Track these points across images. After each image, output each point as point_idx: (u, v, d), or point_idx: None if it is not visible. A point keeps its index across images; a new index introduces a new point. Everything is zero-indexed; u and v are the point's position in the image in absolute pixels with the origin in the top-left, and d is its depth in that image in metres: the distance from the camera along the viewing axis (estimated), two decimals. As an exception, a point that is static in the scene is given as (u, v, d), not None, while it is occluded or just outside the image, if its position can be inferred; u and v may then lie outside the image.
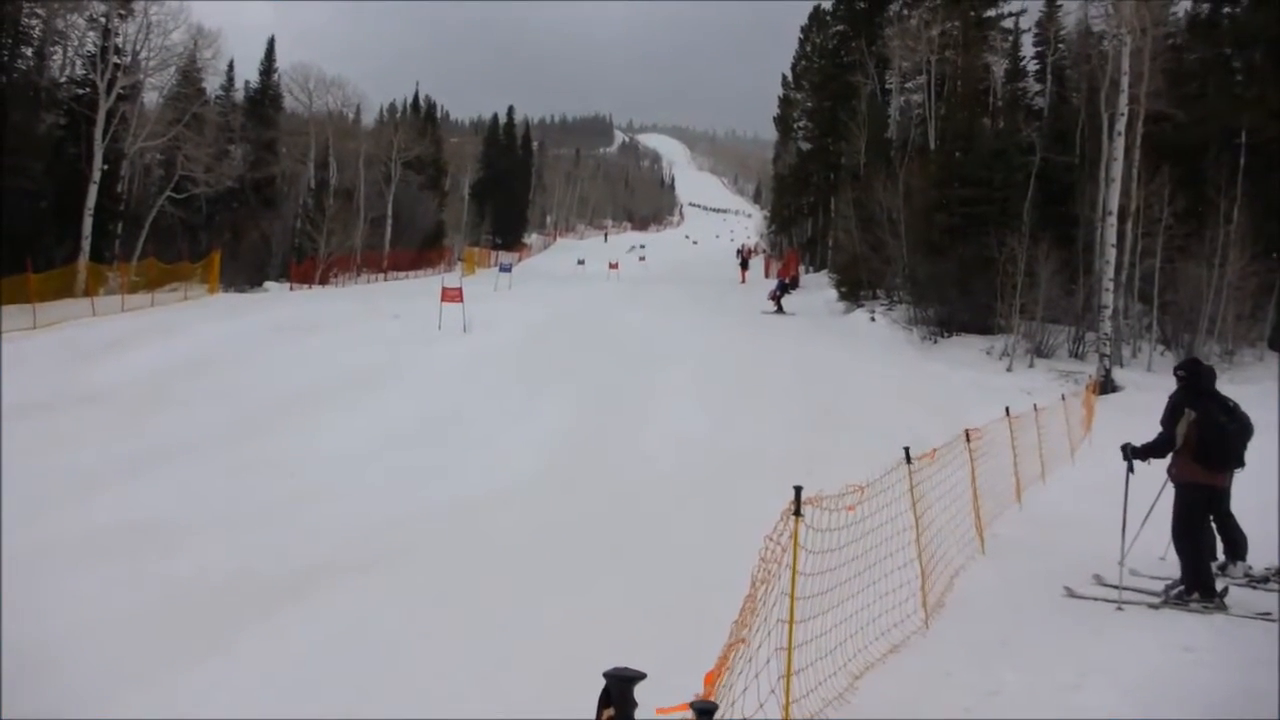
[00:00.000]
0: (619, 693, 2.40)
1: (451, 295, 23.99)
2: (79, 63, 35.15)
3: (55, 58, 35.24)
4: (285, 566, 8.66)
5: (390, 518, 10.43)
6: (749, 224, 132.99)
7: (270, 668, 6.67)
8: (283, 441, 13.63)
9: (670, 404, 16.87)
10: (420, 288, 35.91)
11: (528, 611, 7.60)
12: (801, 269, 45.45)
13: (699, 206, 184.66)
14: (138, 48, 35.42)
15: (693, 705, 2.71)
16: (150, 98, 37.62)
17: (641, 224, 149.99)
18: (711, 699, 2.88)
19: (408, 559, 8.99)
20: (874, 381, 20.47)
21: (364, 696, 6.25)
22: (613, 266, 53.27)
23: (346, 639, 7.16)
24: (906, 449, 7.16)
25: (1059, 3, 36.49)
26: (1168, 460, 7.72)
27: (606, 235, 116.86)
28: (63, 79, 35.27)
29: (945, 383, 21.07)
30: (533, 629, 7.21)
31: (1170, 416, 7.62)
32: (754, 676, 3.83)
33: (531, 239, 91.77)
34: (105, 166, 32.95)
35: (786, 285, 35.58)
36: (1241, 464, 8.21)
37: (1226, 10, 30.38)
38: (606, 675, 2.43)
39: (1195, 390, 7.70)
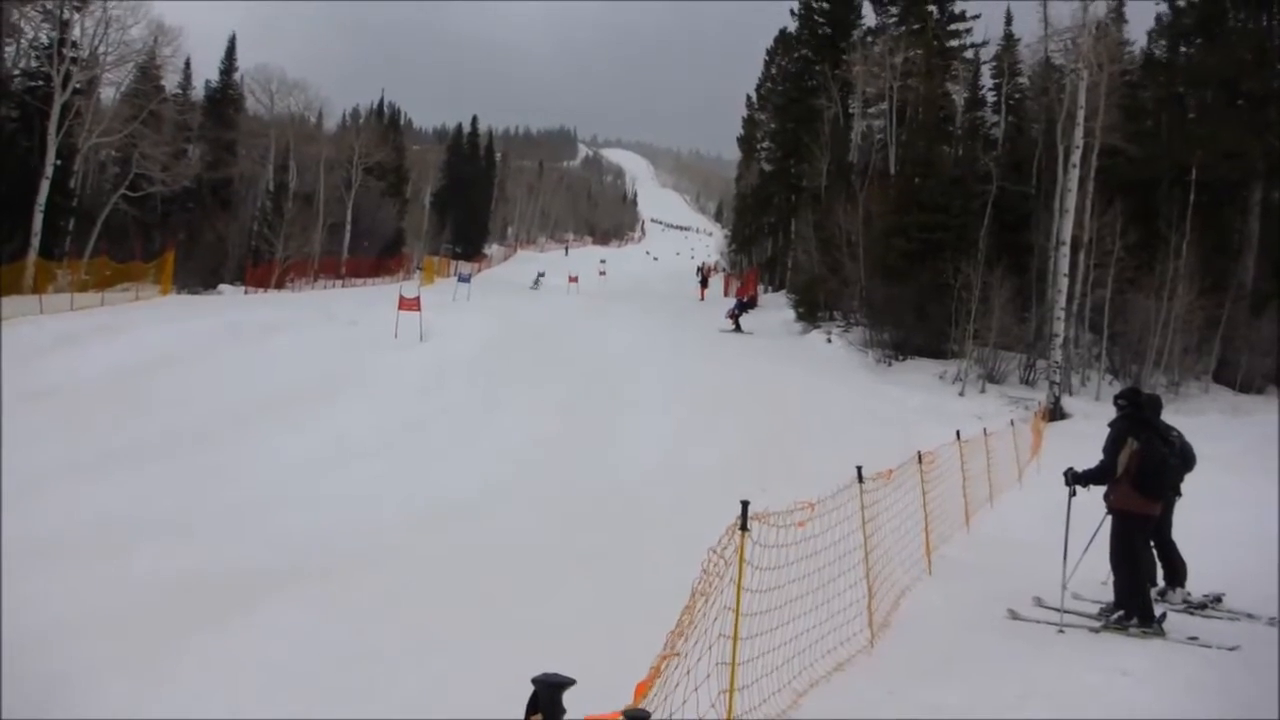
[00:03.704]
0: (547, 699, 2.37)
1: (409, 304, 23.81)
2: (34, 55, 34.47)
3: (9, 49, 34.52)
4: (238, 572, 8.55)
5: (347, 525, 10.34)
6: (710, 242, 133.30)
7: (221, 673, 6.58)
8: (237, 446, 13.47)
9: (628, 420, 16.88)
10: (378, 295, 35.60)
11: (482, 623, 7.53)
12: (760, 288, 45.66)
13: (660, 223, 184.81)
14: (95, 42, 34.86)
15: (625, 713, 2.69)
16: (107, 93, 37.02)
17: (603, 238, 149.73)
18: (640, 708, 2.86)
19: (362, 569, 8.91)
20: (829, 403, 20.60)
21: (315, 703, 6.16)
22: (572, 280, 53.23)
23: (300, 646, 7.06)
24: (859, 468, 7.21)
25: (1018, 36, 37.21)
26: (1104, 488, 7.83)
27: (568, 249, 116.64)
28: (16, 71, 34.56)
29: (899, 406, 21.26)
30: (486, 641, 7.15)
31: (1113, 445, 7.73)
32: (693, 690, 3.81)
33: (492, 250, 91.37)
34: (58, 162, 32.31)
35: (745, 304, 35.71)
36: (1178, 493, 8.40)
37: (1181, 50, 31.14)
38: (535, 681, 2.40)
39: (1138, 419, 7.82)
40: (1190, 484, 8.58)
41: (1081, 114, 24.69)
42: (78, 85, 33.43)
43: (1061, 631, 7.42)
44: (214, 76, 48.73)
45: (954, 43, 39.80)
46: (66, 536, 9.23)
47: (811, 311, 34.54)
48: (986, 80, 39.16)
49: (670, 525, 10.29)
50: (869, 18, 44.09)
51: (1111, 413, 8.13)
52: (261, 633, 7.25)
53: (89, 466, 11.76)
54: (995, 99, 38.02)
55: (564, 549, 9.76)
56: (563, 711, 2.39)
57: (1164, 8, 31.66)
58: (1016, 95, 36.47)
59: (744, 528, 4.56)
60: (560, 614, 7.64)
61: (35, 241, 30.80)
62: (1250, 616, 7.98)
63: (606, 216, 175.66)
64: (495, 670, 6.32)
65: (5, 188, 31.01)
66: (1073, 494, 7.93)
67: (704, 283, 53.07)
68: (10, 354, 17.58)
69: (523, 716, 2.38)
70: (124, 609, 7.58)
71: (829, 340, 30.46)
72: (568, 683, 2.40)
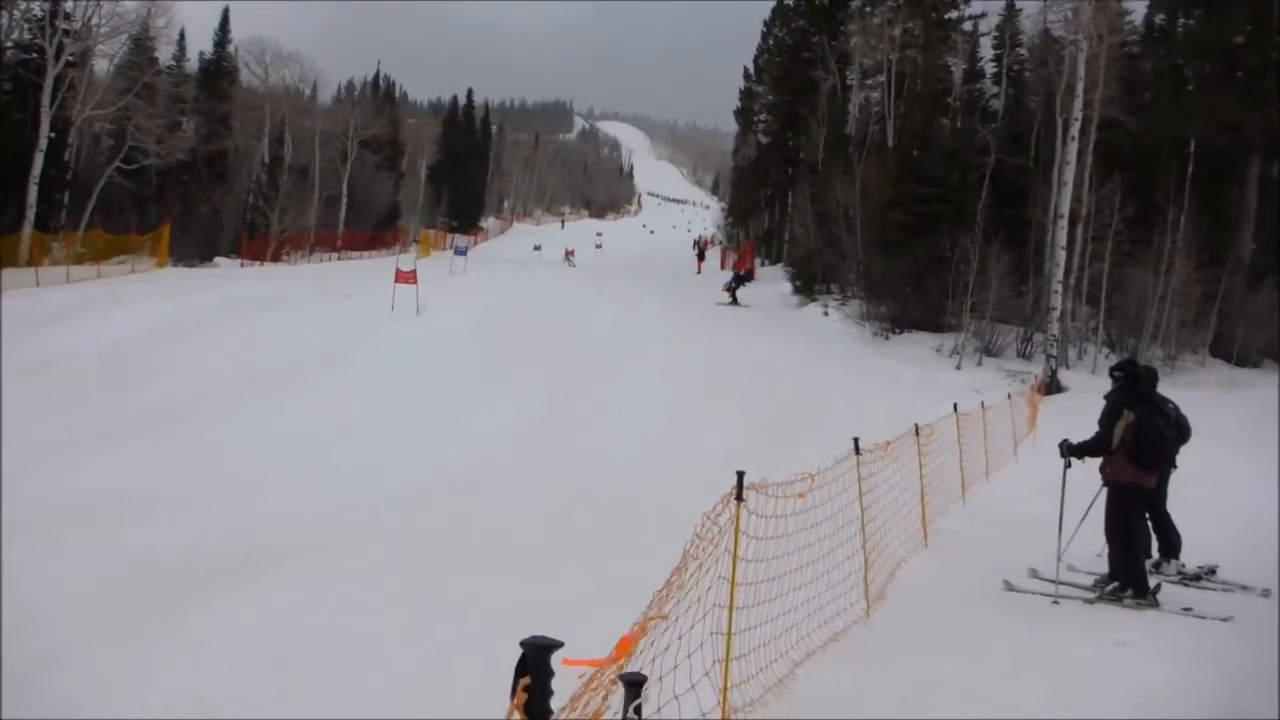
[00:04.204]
0: (535, 661, 2.39)
1: (405, 277, 23.77)
2: (27, 27, 34.17)
3: (1, 21, 34.17)
4: (233, 549, 8.57)
5: (341, 502, 10.35)
6: (706, 215, 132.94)
7: (214, 647, 6.60)
8: (232, 421, 13.47)
9: (625, 396, 16.87)
10: (374, 268, 35.51)
11: (475, 601, 7.54)
12: (757, 261, 45.59)
13: (657, 196, 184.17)
14: (88, 14, 34.52)
15: (622, 676, 2.71)
16: (101, 65, 36.75)
17: (599, 212, 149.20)
18: (621, 666, 2.87)
19: (357, 545, 8.92)
20: (826, 377, 20.62)
21: (305, 679, 6.18)
22: (569, 253, 53.14)
23: (295, 624, 7.07)
24: (856, 440, 7.21)
25: (1019, 6, 36.99)
26: (1100, 460, 7.84)
27: (564, 222, 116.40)
28: (9, 43, 34.26)
29: (896, 380, 21.30)
30: (479, 619, 7.15)
31: (1109, 417, 7.73)
32: (686, 656, 3.82)
33: (488, 223, 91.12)
34: (52, 134, 32.08)
35: (741, 277, 35.67)
36: (1173, 465, 8.42)
37: (1181, 21, 30.95)
38: (523, 644, 2.41)
39: (1134, 392, 7.83)
40: (1185, 457, 8.61)
41: (1081, 86, 24.56)
42: (71, 57, 33.15)
43: (1056, 603, 7.46)
44: (208, 48, 48.43)
45: (952, 14, 39.51)
46: (64, 511, 9.23)
47: (808, 284, 34.52)
48: (986, 52, 38.97)
49: (667, 502, 10.19)
50: (867, -12, 43.78)
51: (1108, 385, 8.14)
52: (256, 610, 7.25)
53: (86, 441, 11.75)
54: (994, 71, 37.86)
55: (561, 529, 9.75)
56: (551, 674, 2.40)
57: (1164, -22, 31.51)
58: (1016, 67, 36.30)
59: (739, 497, 4.57)
60: (557, 596, 7.58)
61: (30, 214, 30.66)
62: (1244, 588, 8.02)
63: (603, 190, 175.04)
64: (491, 654, 6.30)
65: (0, 161, 30.80)
66: (1068, 466, 7.94)
67: (701, 256, 52.99)
68: (6, 327, 17.56)
69: (511, 680, 2.39)
70: (119, 585, 7.58)
71: (826, 313, 30.44)
72: (555, 645, 2.42)
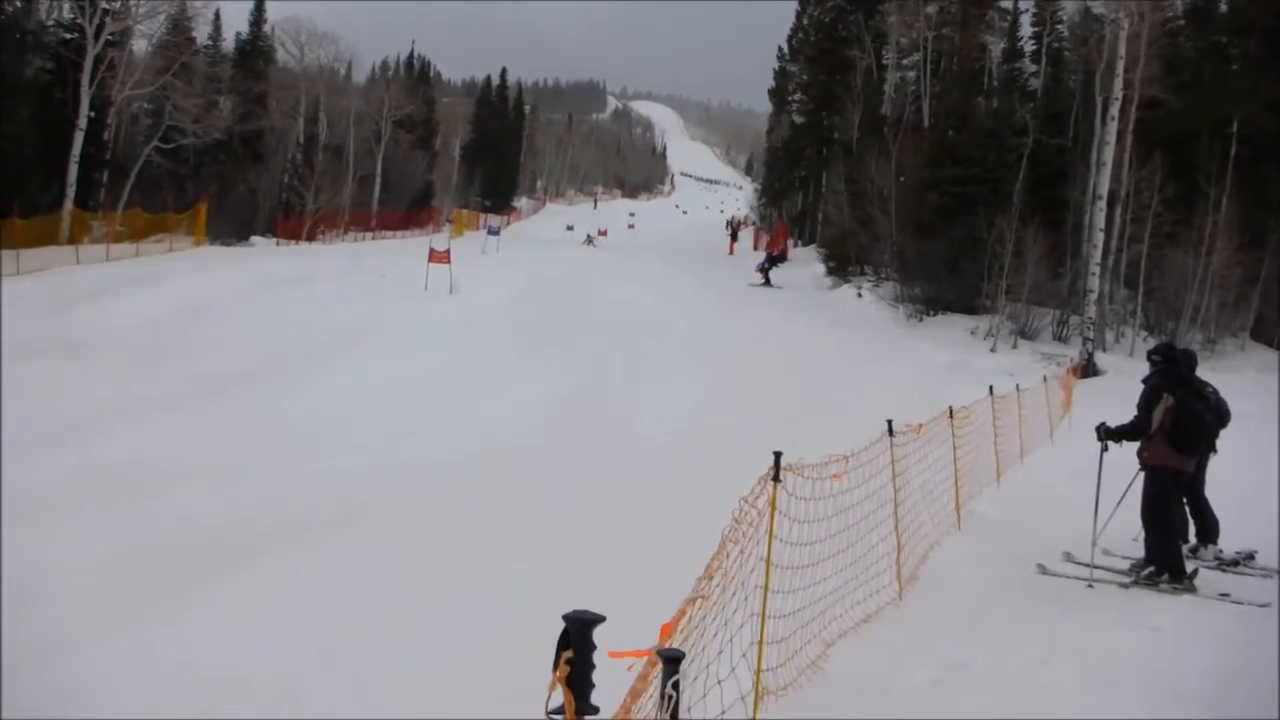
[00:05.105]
0: (578, 635, 2.43)
1: (439, 256, 23.88)
2: (67, 6, 34.52)
3: (43, 1, 34.61)
4: (263, 521, 8.65)
5: (372, 478, 10.41)
6: (739, 196, 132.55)
7: (241, 620, 6.63)
8: (266, 396, 13.58)
9: (656, 375, 16.86)
10: (408, 247, 35.69)
11: (504, 576, 7.58)
12: (790, 242, 45.39)
13: (690, 176, 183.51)
14: (128, -7, 34.82)
15: (660, 652, 2.76)
16: (139, 45, 37.06)
17: (632, 192, 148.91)
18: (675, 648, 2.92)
19: (387, 520, 8.96)
20: (859, 359, 20.52)
21: (329, 659, 6.20)
22: (601, 233, 53.13)
23: (319, 597, 7.11)
24: (889, 422, 7.20)
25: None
26: (1138, 444, 7.78)
27: (596, 202, 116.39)
28: (50, 23, 34.66)
29: (930, 362, 21.14)
30: (508, 594, 7.20)
31: (1147, 401, 7.67)
32: (729, 640, 3.86)
33: (521, 203, 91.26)
34: (92, 113, 32.44)
35: (775, 258, 35.55)
36: (1213, 449, 8.33)
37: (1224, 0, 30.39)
38: (566, 618, 2.46)
39: (1172, 375, 7.76)
40: (1224, 441, 8.51)
41: (1121, 64, 24.15)
42: (111, 36, 33.43)
43: (1091, 587, 7.43)
44: (244, 28, 48.69)
45: (991, -9, 39.01)
46: (96, 484, 9.34)
47: (842, 266, 34.33)
48: (1024, 30, 38.44)
49: (699, 482, 10.25)
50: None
51: (1145, 369, 8.07)
52: (281, 580, 7.29)
53: (123, 415, 11.91)
54: (1033, 49, 37.34)
55: (591, 505, 9.77)
56: (593, 648, 2.45)
57: (1208, -45, 30.91)
58: (1055, 45, 35.78)
59: (776, 478, 4.59)
60: (583, 569, 7.60)
61: (70, 192, 31.03)
62: (1282, 574, 7.95)
63: (635, 170, 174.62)
64: (516, 623, 6.31)
65: (41, 139, 31.21)
66: (1105, 449, 7.90)
67: (734, 236, 52.89)
68: (51, 304, 17.92)
69: (554, 653, 2.44)
70: (148, 557, 7.63)
71: (859, 295, 30.27)
72: (598, 619, 2.46)
